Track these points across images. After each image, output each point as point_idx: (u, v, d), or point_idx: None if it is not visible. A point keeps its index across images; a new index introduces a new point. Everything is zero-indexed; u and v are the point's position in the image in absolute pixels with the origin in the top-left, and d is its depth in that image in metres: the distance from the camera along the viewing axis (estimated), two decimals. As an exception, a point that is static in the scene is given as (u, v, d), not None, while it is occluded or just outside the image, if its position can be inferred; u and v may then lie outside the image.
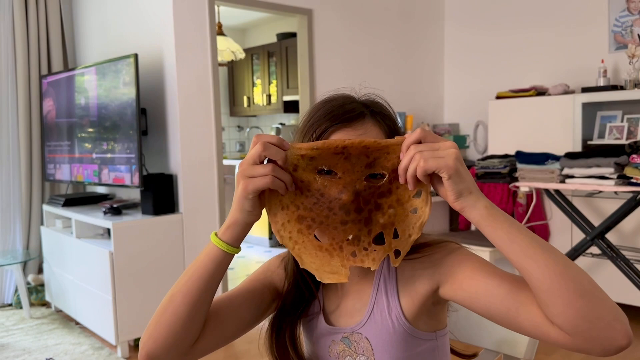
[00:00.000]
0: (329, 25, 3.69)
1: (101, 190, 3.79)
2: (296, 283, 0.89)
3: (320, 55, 3.64)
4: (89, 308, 3.05)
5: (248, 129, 6.32)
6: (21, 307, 3.55)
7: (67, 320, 3.38)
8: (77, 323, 3.30)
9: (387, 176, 0.75)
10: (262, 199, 0.75)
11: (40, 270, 3.83)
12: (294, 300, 0.90)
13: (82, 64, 3.92)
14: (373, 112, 0.84)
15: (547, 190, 3.07)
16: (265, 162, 0.72)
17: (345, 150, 0.72)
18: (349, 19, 3.80)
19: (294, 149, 0.73)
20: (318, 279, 0.75)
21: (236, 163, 5.43)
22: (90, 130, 3.27)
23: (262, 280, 0.92)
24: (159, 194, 3.00)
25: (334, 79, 3.69)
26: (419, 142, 0.71)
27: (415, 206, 0.75)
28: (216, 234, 0.78)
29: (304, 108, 3.69)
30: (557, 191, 3.07)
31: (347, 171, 0.74)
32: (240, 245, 0.79)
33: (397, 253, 0.76)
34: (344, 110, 0.82)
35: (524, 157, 3.12)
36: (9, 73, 3.64)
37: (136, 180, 2.95)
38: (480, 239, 2.97)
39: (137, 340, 2.99)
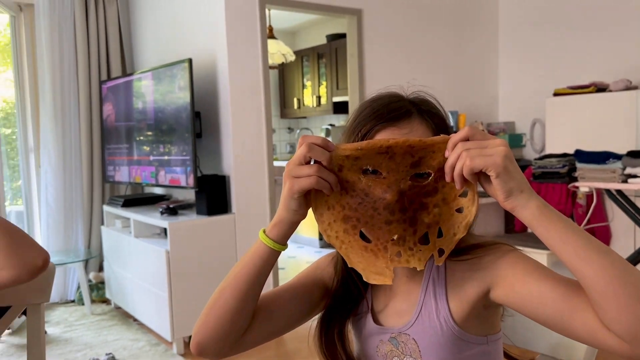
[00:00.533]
0: (379, 24, 3.67)
1: (158, 191, 3.92)
2: (345, 282, 0.89)
3: (370, 55, 3.62)
4: (146, 305, 3.16)
5: (298, 131, 6.37)
6: (83, 304, 3.72)
7: (125, 317, 3.52)
8: (135, 320, 3.43)
9: (432, 175, 0.74)
10: (308, 198, 0.76)
11: (100, 268, 4.00)
12: (343, 299, 0.90)
13: (139, 69, 4.07)
14: (420, 110, 0.83)
15: (608, 191, 2.93)
16: (312, 163, 0.74)
17: (389, 150, 0.72)
18: (399, 17, 3.77)
19: (339, 150, 0.74)
20: (364, 279, 0.76)
21: (285, 165, 5.49)
22: (148, 133, 3.39)
23: (312, 278, 0.93)
24: (213, 195, 3.07)
25: (383, 79, 3.66)
26: (466, 139, 0.70)
27: (461, 205, 0.74)
28: (264, 231, 0.80)
29: (354, 108, 3.68)
30: (619, 191, 2.93)
31: (391, 171, 0.74)
32: (288, 244, 0.81)
33: (441, 252, 0.75)
34: (389, 109, 0.82)
35: (583, 156, 3.00)
36: (71, 79, 3.83)
37: (191, 181, 3.03)
38: (537, 242, 2.86)
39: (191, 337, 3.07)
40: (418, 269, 0.75)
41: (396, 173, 0.74)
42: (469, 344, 0.83)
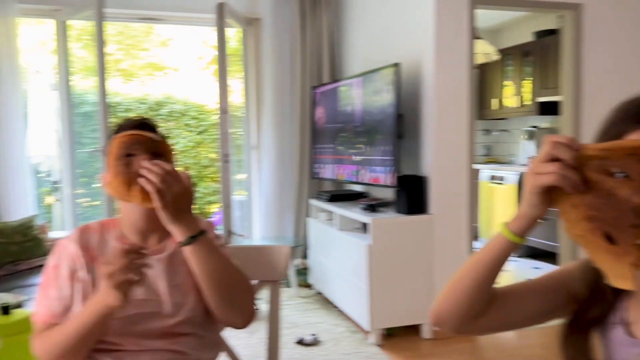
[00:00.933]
0: (601, 20, 3.36)
1: (357, 188, 4.15)
2: (594, 288, 0.88)
3: (589, 52, 3.34)
4: (347, 294, 3.38)
5: (497, 133, 6.13)
6: (289, 286, 4.13)
7: (326, 303, 3.81)
8: (335, 306, 3.69)
9: None
10: (550, 195, 0.77)
11: (304, 256, 4.38)
12: (592, 306, 0.89)
13: (346, 75, 4.36)
14: None
15: None
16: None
17: (637, 151, 0.70)
18: (626, 12, 3.40)
19: (585, 150, 0.74)
20: (608, 281, 0.75)
21: (480, 168, 5.34)
22: (353, 134, 3.62)
23: (558, 280, 0.94)
24: (412, 195, 3.15)
25: (604, 79, 3.35)
26: None
27: None
28: (504, 224, 0.84)
29: (567, 109, 3.44)
30: None
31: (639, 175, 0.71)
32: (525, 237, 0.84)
33: None
34: None
35: None
36: (288, 83, 4.27)
37: (391, 180, 3.16)
38: None
39: (389, 330, 3.21)
40: None
41: None
42: None
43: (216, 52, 3.81)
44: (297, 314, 3.61)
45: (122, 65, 7.48)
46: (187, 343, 1.24)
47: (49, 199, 5.50)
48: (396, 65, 3.11)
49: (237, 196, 4.72)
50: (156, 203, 1.15)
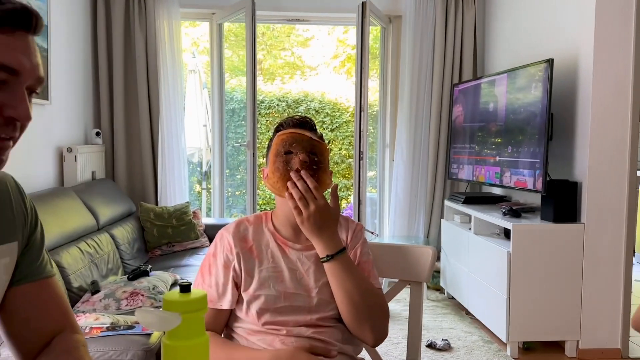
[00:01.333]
0: None
1: (497, 191, 3.95)
2: None
3: None
4: (482, 302, 3.24)
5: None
6: (420, 288, 4.05)
7: (458, 308, 3.69)
8: (468, 313, 3.56)
9: None
10: None
11: (437, 258, 4.28)
12: None
13: (490, 71, 4.16)
14: None
15: None
16: None
17: None
18: None
19: None
20: None
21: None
22: (496, 134, 3.45)
23: None
24: (561, 201, 2.92)
25: None
26: None
27: None
28: None
29: None
30: None
31: None
32: None
33: None
34: None
35: None
36: (426, 81, 4.18)
37: (539, 185, 2.96)
38: None
39: (526, 343, 3.02)
40: None
41: None
42: None
43: (353, 51, 3.86)
44: (427, 317, 3.54)
45: (264, 64, 7.90)
46: (333, 334, 1.27)
47: (199, 188, 6.00)
48: (549, 60, 2.90)
49: (368, 193, 4.75)
50: (297, 218, 1.22)
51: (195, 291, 0.82)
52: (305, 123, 1.35)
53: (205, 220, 4.04)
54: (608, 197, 2.90)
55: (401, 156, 4.25)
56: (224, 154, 4.50)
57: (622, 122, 2.88)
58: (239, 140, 5.96)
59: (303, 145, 1.28)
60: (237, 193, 6.96)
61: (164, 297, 0.80)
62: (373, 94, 4.91)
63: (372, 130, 4.90)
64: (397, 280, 1.55)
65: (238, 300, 1.28)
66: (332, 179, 1.35)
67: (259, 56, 7.83)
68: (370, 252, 1.40)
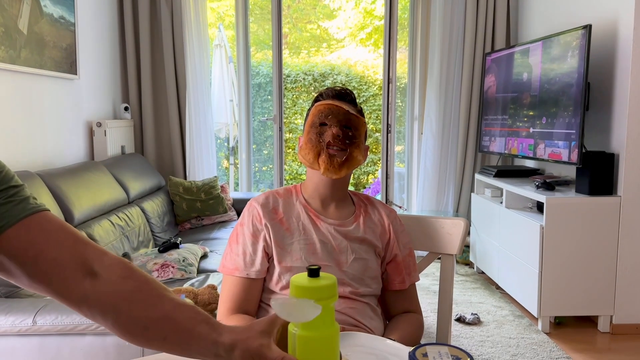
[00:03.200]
0: None
1: (529, 164, 3.85)
2: None
3: None
4: (513, 276, 3.19)
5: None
6: (449, 262, 4.02)
7: (488, 283, 3.64)
8: (498, 287, 3.51)
9: None
10: None
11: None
12: None
13: (523, 40, 4.02)
14: None
15: None
16: None
17: None
18: None
19: None
20: None
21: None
22: (529, 104, 3.34)
23: None
24: (597, 173, 2.83)
25: None
26: None
27: None
28: None
29: None
30: None
31: None
32: None
33: None
34: None
35: None
36: (458, 52, 4.07)
37: (574, 157, 2.86)
38: None
39: (558, 318, 2.97)
40: None
41: None
42: None
43: (381, 22, 3.76)
44: (456, 291, 3.51)
45: (290, 38, 7.82)
46: (364, 310, 1.26)
47: (226, 163, 6.04)
48: (586, 27, 2.77)
49: (396, 167, 4.70)
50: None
51: (325, 275, 0.78)
52: (344, 95, 1.32)
53: (233, 194, 4.06)
54: (647, 169, 2.79)
55: (430, 129, 4.17)
56: (251, 129, 4.50)
57: (664, 91, 2.75)
58: (265, 115, 5.95)
59: (338, 119, 1.25)
60: (264, 168, 6.98)
61: (292, 282, 0.75)
62: (401, 65, 4.80)
63: (400, 104, 4.82)
64: (427, 252, 1.52)
65: (270, 271, 1.27)
66: (367, 155, 1.33)
67: (284, 30, 7.75)
68: (410, 239, 1.39)
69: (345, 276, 1.25)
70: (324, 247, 1.26)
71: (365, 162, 7.15)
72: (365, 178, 7.17)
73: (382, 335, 1.28)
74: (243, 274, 1.26)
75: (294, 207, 1.32)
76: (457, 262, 4.11)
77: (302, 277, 0.77)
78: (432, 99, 4.13)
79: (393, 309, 1.36)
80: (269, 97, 6.55)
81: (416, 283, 1.39)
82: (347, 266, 1.26)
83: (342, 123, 1.25)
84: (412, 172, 4.51)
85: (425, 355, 0.83)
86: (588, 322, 2.99)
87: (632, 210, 2.81)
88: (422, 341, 1.59)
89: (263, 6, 7.02)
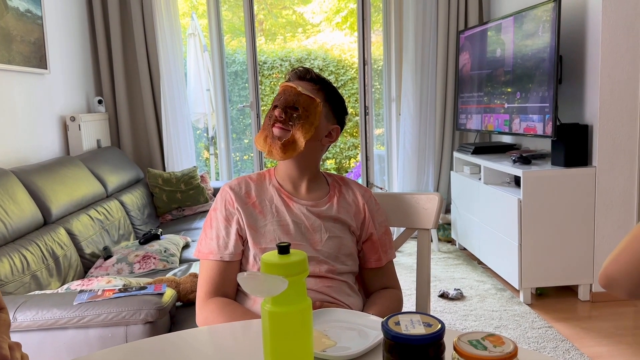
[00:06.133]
0: None
1: (507, 139, 3.89)
2: None
3: None
4: (494, 251, 3.24)
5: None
6: (431, 241, 4.06)
7: (470, 259, 3.69)
8: (480, 262, 3.56)
9: None
10: None
11: (447, 211, 4.27)
12: None
13: (496, 16, 4.03)
14: None
15: None
16: None
17: None
18: None
19: None
20: None
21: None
22: (504, 80, 3.37)
23: None
24: (572, 145, 2.87)
25: None
26: None
27: None
28: None
29: None
30: None
31: None
32: None
33: None
34: None
35: None
36: (431, 30, 4.07)
37: (549, 130, 2.90)
38: None
39: (539, 289, 3.03)
40: None
41: None
42: None
43: (356, 5, 3.75)
44: (439, 268, 3.55)
45: (265, 25, 7.75)
46: (341, 287, 1.27)
47: (207, 154, 6.00)
48: (556, 1, 2.79)
49: (376, 150, 4.71)
50: None
51: (295, 252, 0.78)
52: (304, 74, 1.32)
53: (213, 184, 4.04)
54: (620, 139, 2.84)
55: (408, 110, 4.18)
56: (229, 118, 4.47)
57: (632, 62, 2.79)
58: (244, 103, 5.91)
59: (286, 99, 1.25)
60: (245, 157, 6.95)
61: (262, 259, 0.75)
62: (378, 48, 4.80)
63: (378, 87, 4.82)
64: (404, 228, 1.54)
65: (246, 254, 1.27)
66: (321, 140, 1.30)
67: (259, 16, 7.68)
68: (386, 217, 1.40)
69: (320, 254, 1.26)
70: (297, 227, 1.27)
71: (347, 146, 7.16)
72: (348, 162, 7.19)
73: (361, 311, 1.29)
74: (217, 257, 1.26)
75: (267, 191, 1.32)
76: (440, 239, 4.15)
77: (272, 255, 0.77)
78: (408, 80, 4.13)
79: (371, 286, 1.38)
80: (247, 84, 6.50)
81: (398, 261, 1.41)
82: (322, 244, 1.27)
83: (289, 103, 1.25)
84: (392, 154, 4.53)
85: (397, 323, 0.84)
86: (569, 291, 3.05)
87: (606, 180, 2.87)
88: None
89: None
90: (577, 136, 2.87)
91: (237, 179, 1.35)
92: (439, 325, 0.78)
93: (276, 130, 1.26)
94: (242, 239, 1.27)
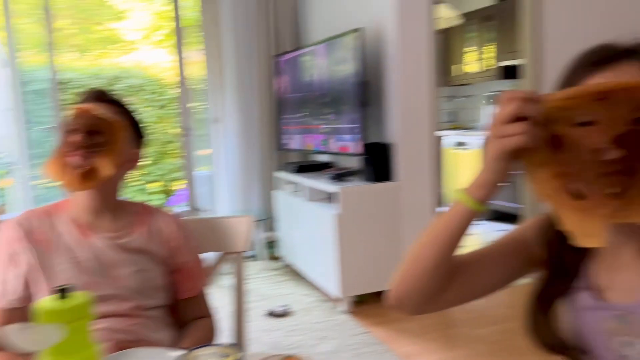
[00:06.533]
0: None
1: (323, 158, 4.12)
2: (556, 251, 0.83)
3: (550, 15, 3.34)
4: (316, 264, 3.38)
5: (461, 99, 6.16)
6: (258, 260, 4.10)
7: (296, 274, 3.80)
8: (305, 277, 3.69)
9: None
10: (516, 156, 0.71)
11: (272, 229, 4.35)
12: (555, 270, 0.84)
13: (310, 42, 4.27)
14: (638, 53, 0.75)
15: None
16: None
17: (603, 95, 0.66)
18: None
19: (548, 101, 0.69)
20: (573, 242, 0.70)
21: (445, 134, 5.37)
22: (320, 103, 3.56)
23: (517, 240, 0.88)
24: (378, 162, 3.14)
25: (564, 41, 3.36)
26: None
27: None
28: (464, 192, 0.77)
29: (528, 73, 3.44)
30: None
31: (606, 119, 0.67)
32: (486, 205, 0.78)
33: None
34: (599, 56, 0.76)
35: None
36: (251, 54, 4.15)
37: (359, 148, 3.14)
38: None
39: (359, 296, 3.23)
40: None
41: (612, 121, 0.67)
42: None
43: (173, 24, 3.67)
44: (267, 286, 3.60)
45: (77, 40, 7.18)
46: (147, 324, 1.20)
47: (5, 182, 5.28)
48: (358, 30, 3.05)
49: (202, 171, 4.63)
50: None
51: (76, 295, 0.68)
52: (102, 95, 1.23)
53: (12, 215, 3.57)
54: (416, 155, 3.19)
55: (231, 131, 4.20)
56: (31, 141, 4.01)
57: (423, 87, 3.16)
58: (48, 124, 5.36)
59: (85, 122, 1.16)
60: (52, 184, 6.29)
61: (37, 307, 0.65)
62: (202, 68, 4.73)
63: (202, 106, 4.74)
64: (219, 253, 1.52)
65: (41, 297, 1.13)
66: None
67: (70, 31, 7.07)
68: (197, 244, 1.36)
69: (124, 290, 1.18)
70: (96, 263, 1.17)
71: (173, 168, 6.91)
72: (171, 185, 6.93)
73: (174, 345, 1.23)
74: (1, 304, 1.11)
75: (59, 225, 1.20)
76: (269, 258, 4.21)
77: (47, 300, 0.70)
78: (230, 101, 4.16)
79: (185, 317, 1.33)
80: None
81: (222, 284, 1.38)
82: (127, 280, 1.19)
83: (91, 127, 1.16)
84: (220, 175, 4.49)
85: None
86: (384, 297, 3.31)
87: (408, 193, 3.19)
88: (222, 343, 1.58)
89: (42, 5, 6.30)
90: (383, 154, 3.15)
91: (26, 213, 1.22)
92: (239, 355, 0.77)
93: (77, 158, 1.15)
94: (32, 281, 1.14)
